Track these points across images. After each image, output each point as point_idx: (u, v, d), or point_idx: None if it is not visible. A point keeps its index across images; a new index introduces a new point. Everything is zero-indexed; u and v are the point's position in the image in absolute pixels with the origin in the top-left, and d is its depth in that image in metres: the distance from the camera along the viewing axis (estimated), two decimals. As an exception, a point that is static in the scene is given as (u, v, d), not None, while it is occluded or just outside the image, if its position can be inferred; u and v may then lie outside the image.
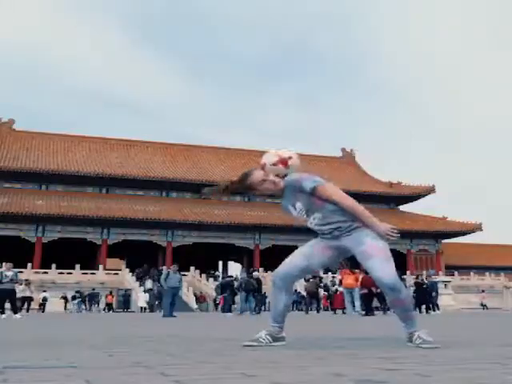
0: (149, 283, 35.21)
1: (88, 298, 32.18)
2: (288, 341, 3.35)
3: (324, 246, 3.26)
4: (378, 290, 16.10)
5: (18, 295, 20.21)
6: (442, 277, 35.29)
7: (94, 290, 33.02)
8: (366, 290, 16.16)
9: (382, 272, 3.01)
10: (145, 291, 32.65)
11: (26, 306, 21.63)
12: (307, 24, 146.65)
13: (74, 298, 32.08)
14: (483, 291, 39.01)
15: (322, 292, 31.25)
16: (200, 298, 34.65)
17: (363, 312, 15.79)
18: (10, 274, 14.69)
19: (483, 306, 35.53)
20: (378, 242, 3.09)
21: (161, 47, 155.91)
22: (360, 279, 16.47)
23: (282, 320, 3.34)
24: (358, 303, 16.32)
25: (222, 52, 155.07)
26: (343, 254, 3.31)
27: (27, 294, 20.60)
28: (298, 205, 3.23)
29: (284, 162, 3.25)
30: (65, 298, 32.50)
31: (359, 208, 3.11)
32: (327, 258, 3.28)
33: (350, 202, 3.12)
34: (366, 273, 17.99)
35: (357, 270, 16.89)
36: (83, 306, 31.71)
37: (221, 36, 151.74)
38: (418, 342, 3.01)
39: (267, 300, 27.27)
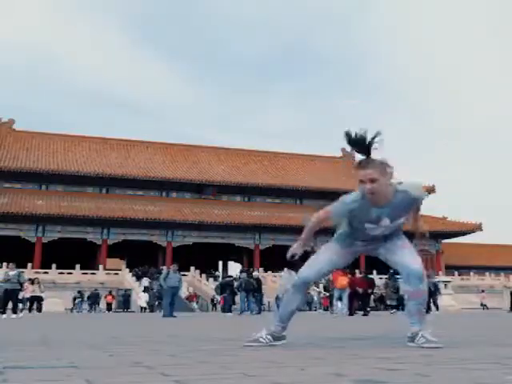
0: (145, 281, 35.21)
1: (92, 299, 32.24)
2: (288, 341, 3.35)
3: (348, 252, 3.29)
4: (364, 291, 17.25)
5: (27, 295, 19.89)
6: (442, 277, 35.27)
7: (96, 290, 33.14)
8: (350, 290, 17.09)
9: (412, 260, 3.09)
10: (144, 290, 32.65)
11: (35, 305, 20.92)
12: (307, 24, 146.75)
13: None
14: (483, 291, 39.00)
15: (322, 292, 31.39)
16: (190, 297, 34.28)
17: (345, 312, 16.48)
18: (12, 273, 14.69)
19: (483, 305, 35.50)
20: (404, 237, 3.25)
21: (161, 47, 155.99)
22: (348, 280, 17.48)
23: (288, 320, 3.35)
24: (344, 302, 17.01)
25: (222, 52, 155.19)
26: (360, 254, 3.40)
27: (37, 293, 20.08)
28: (401, 220, 3.11)
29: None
30: (77, 298, 32.49)
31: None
32: (350, 260, 3.36)
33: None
34: (352, 274, 19.06)
35: (349, 275, 17.78)
36: (84, 306, 31.71)
37: (221, 36, 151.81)
38: (421, 342, 2.97)
39: (265, 300, 27.23)
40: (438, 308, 20.15)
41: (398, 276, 25.14)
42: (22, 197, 43.26)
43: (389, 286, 21.71)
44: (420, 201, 3.14)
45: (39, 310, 19.53)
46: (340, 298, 17.18)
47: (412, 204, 3.08)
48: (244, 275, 22.02)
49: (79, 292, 32.47)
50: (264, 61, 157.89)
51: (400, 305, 20.12)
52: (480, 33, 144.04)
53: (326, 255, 3.26)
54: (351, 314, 16.28)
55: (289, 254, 3.20)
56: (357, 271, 26.28)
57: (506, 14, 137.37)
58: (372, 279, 19.55)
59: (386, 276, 23.28)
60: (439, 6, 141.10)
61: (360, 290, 17.08)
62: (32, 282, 20.49)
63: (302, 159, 59.58)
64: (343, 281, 17.08)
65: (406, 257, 3.10)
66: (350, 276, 18.48)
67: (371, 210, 3.00)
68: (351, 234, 3.22)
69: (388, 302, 22.18)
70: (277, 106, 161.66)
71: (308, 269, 3.25)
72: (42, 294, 20.44)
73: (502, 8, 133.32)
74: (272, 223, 45.47)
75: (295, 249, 3.21)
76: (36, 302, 19.94)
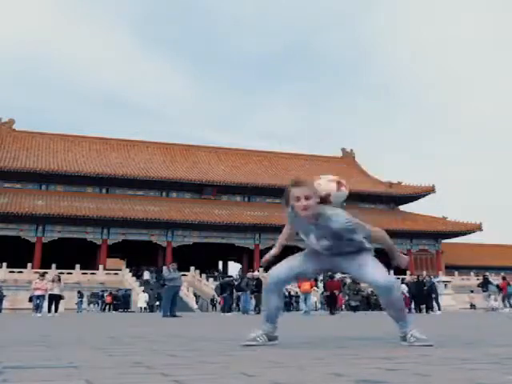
0: (146, 274, 35.15)
1: (100, 299, 32.53)
2: (288, 341, 3.36)
3: (320, 259, 3.34)
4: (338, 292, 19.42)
5: (38, 293, 19.36)
6: (442, 277, 35.24)
7: (103, 291, 33.40)
8: (328, 293, 19.26)
9: (374, 275, 3.12)
10: (144, 289, 32.70)
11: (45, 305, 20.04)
12: (309, 24, 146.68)
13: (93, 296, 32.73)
14: (472, 291, 38.65)
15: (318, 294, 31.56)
16: None
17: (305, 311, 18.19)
18: None
19: (472, 305, 35.37)
20: (369, 255, 3.21)
21: (162, 47, 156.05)
22: (322, 284, 19.98)
23: (275, 320, 3.39)
24: (309, 303, 19.02)
25: (222, 52, 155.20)
26: (334, 269, 3.49)
27: (55, 291, 19.48)
28: (324, 242, 3.17)
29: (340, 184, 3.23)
30: (94, 296, 32.94)
31: (391, 243, 3.25)
32: (320, 268, 3.44)
33: (389, 241, 3.23)
34: (331, 277, 20.39)
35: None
36: (83, 306, 31.79)
37: (222, 35, 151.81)
38: (412, 341, 3.08)
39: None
40: (439, 308, 20.17)
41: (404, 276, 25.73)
42: (22, 197, 43.24)
43: (350, 288, 22.40)
44: (342, 230, 3.06)
45: (56, 309, 19.07)
46: (305, 301, 18.95)
47: (335, 233, 3.07)
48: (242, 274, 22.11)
49: (79, 292, 32.50)
50: (265, 61, 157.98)
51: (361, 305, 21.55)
52: (481, 32, 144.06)
53: (297, 256, 3.40)
54: (333, 313, 17.93)
55: (263, 260, 3.61)
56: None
57: (508, 14, 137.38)
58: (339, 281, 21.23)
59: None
60: (440, 7, 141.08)
61: (336, 292, 19.06)
62: (52, 280, 19.90)
63: (302, 159, 59.60)
64: (306, 285, 18.88)
65: (370, 273, 3.12)
66: (312, 282, 20.98)
67: (304, 223, 3.18)
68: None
69: (352, 304, 22.76)
70: (277, 105, 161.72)
71: (278, 269, 3.35)
72: (62, 293, 19.81)
73: (504, 8, 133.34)
74: (272, 223, 45.42)
75: (266, 256, 3.56)
76: (55, 300, 19.35)
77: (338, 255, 3.26)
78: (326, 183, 3.22)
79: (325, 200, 3.15)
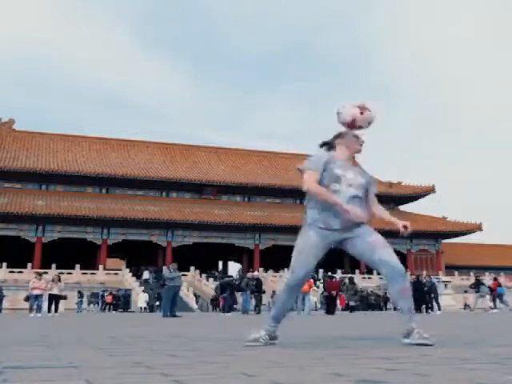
0: (146, 274, 35.09)
1: (100, 299, 32.62)
2: (288, 341, 3.36)
3: (324, 244, 3.28)
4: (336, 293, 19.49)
5: (36, 292, 19.26)
6: (442, 277, 35.19)
7: (103, 291, 33.47)
8: (327, 293, 19.77)
9: (393, 259, 3.16)
10: (144, 289, 32.69)
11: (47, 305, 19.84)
12: (309, 24, 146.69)
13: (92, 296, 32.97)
14: (466, 292, 38.47)
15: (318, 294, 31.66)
16: None
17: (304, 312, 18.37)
18: None
19: (466, 306, 35.24)
20: (375, 232, 3.30)
21: (162, 47, 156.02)
22: (322, 285, 19.86)
23: (281, 320, 3.38)
24: (308, 304, 18.73)
25: (222, 52, 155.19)
26: (330, 247, 3.35)
27: (54, 291, 19.41)
28: (360, 179, 3.38)
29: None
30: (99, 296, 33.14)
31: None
32: (323, 254, 3.36)
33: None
34: (331, 278, 20.82)
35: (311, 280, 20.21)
36: (83, 306, 31.79)
37: (222, 36, 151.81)
38: (416, 338, 3.07)
39: (265, 300, 27.22)
40: (439, 307, 20.17)
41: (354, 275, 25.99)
42: (22, 197, 43.24)
43: (349, 289, 22.66)
44: (372, 184, 3.54)
45: (56, 309, 19.05)
46: (303, 301, 18.86)
47: (368, 182, 3.45)
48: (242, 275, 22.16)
49: (79, 292, 32.49)
50: (265, 61, 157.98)
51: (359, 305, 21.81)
52: (481, 32, 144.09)
53: (310, 251, 3.26)
54: (333, 313, 18.27)
55: (358, 219, 3.21)
56: (321, 270, 27.36)
57: (507, 13, 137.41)
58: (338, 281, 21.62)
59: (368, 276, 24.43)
60: (440, 6, 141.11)
61: (334, 293, 19.63)
62: (52, 279, 19.82)
63: (302, 159, 59.45)
64: (304, 286, 18.70)
65: (386, 256, 3.14)
66: (311, 282, 21.13)
67: (338, 162, 3.35)
68: (323, 210, 3.24)
69: (351, 303, 22.91)
70: (277, 105, 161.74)
71: (299, 268, 3.26)
72: (62, 293, 19.74)
73: (504, 8, 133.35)
74: (272, 223, 45.44)
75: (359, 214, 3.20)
76: (54, 300, 19.31)
77: (352, 227, 3.23)
78: (349, 109, 3.37)
79: (352, 125, 3.38)
